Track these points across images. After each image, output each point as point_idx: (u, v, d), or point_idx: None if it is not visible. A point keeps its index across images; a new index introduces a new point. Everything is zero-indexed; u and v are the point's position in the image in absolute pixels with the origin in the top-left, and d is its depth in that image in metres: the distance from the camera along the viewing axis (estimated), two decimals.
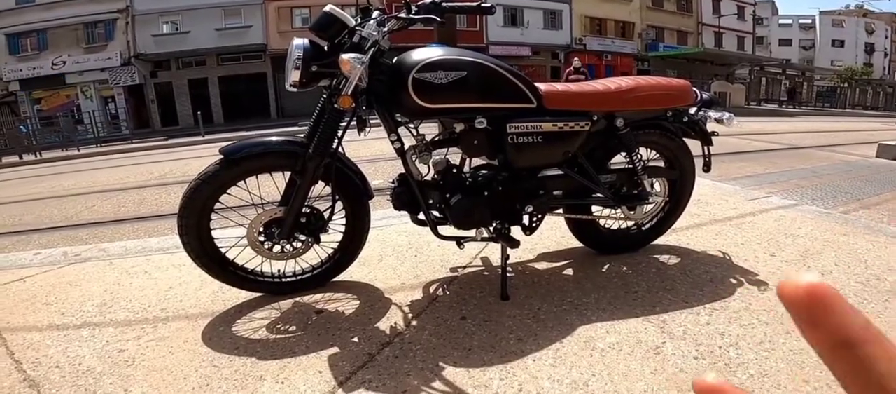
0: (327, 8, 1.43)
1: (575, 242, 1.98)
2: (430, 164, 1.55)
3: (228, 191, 1.52)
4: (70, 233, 3.36)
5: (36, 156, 11.60)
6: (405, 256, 1.99)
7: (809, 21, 43.07)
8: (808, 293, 0.16)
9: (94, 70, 19.93)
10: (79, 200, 4.69)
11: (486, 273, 1.81)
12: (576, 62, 8.22)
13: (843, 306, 0.16)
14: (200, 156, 7.64)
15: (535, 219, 1.71)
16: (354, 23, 1.45)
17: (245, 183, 1.52)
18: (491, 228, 1.61)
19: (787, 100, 28.02)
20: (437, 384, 1.16)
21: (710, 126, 1.87)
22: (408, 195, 1.58)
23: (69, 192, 5.29)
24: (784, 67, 28.80)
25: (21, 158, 11.43)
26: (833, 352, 0.16)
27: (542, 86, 1.59)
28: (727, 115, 1.82)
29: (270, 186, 1.62)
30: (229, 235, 1.69)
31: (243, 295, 1.65)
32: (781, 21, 42.74)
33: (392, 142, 1.52)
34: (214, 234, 1.56)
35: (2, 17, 19.79)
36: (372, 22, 1.44)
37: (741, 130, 7.86)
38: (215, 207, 1.52)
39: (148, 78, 20.59)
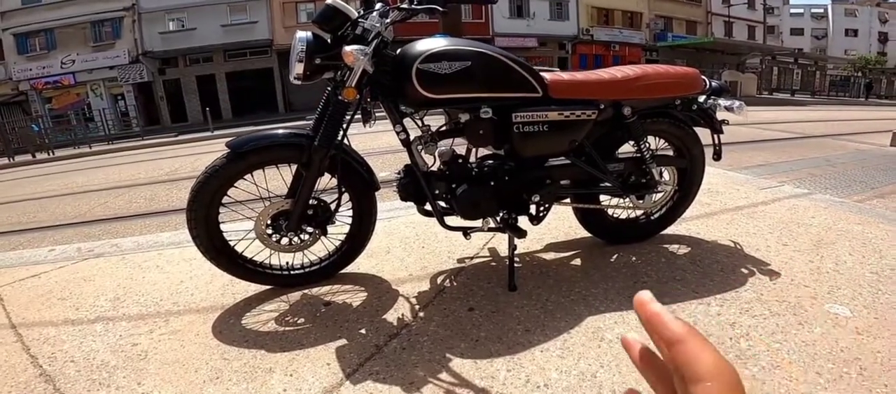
0: (330, 1, 1.42)
1: (583, 232, 1.97)
2: (436, 154, 1.55)
3: (236, 185, 1.52)
4: (83, 229, 3.41)
5: (49, 154, 11.76)
6: (412, 247, 1.99)
7: (822, 10, 42.15)
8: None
9: (103, 68, 20.11)
10: (92, 196, 4.76)
11: (493, 264, 1.81)
12: None
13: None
14: (210, 151, 7.69)
15: (541, 209, 1.70)
16: (357, 15, 1.45)
17: (252, 176, 1.53)
18: (497, 219, 1.61)
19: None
20: (444, 376, 1.16)
21: (721, 115, 1.84)
22: (414, 186, 1.58)
23: (82, 189, 5.37)
24: (796, 57, 28.25)
25: (34, 156, 11.60)
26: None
27: (547, 75, 1.57)
28: (737, 103, 1.79)
29: (278, 179, 1.62)
30: (238, 229, 1.70)
31: (253, 288, 1.67)
32: (793, 10, 41.82)
33: (397, 133, 1.52)
34: (223, 227, 1.57)
35: (9, 18, 20.01)
36: (374, 13, 1.43)
37: (752, 120, 7.74)
38: (223, 200, 1.53)
39: (156, 75, 20.75)
